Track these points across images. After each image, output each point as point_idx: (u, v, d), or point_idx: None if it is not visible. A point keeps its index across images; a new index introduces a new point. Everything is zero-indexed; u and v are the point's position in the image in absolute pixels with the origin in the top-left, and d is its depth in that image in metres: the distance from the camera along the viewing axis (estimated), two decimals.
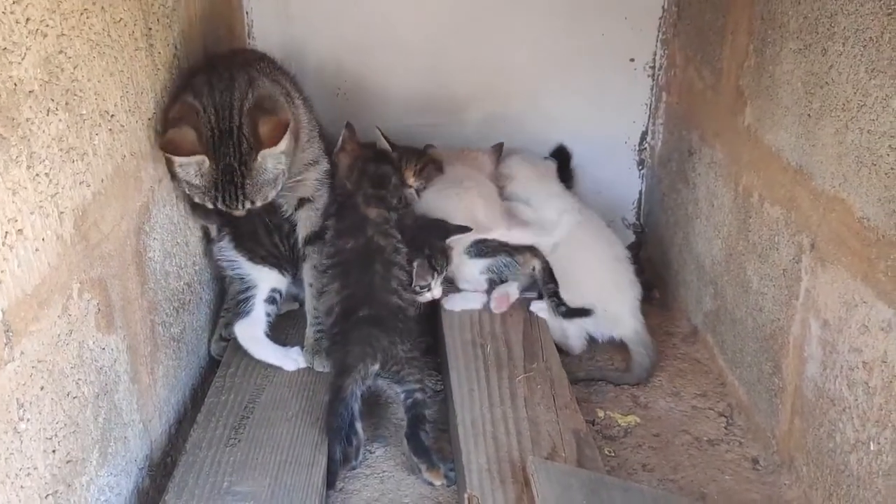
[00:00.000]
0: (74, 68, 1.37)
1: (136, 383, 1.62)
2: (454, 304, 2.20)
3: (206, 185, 1.75)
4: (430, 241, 2.10)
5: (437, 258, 2.09)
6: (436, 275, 2.09)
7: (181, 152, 1.71)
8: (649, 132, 2.70)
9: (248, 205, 1.79)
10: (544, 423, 1.79)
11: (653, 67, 2.62)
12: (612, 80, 2.64)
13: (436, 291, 2.11)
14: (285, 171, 1.83)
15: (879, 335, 1.40)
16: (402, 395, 1.88)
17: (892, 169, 1.36)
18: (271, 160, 1.77)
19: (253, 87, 1.80)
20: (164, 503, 1.57)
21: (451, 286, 2.22)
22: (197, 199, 1.80)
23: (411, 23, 2.57)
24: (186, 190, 1.80)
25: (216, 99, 1.75)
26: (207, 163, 1.72)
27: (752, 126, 1.92)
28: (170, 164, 1.77)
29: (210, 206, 1.79)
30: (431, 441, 1.82)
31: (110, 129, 1.50)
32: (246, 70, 1.86)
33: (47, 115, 1.27)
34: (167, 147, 1.71)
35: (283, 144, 1.76)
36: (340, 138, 2.21)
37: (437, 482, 1.77)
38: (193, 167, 1.73)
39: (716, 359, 2.16)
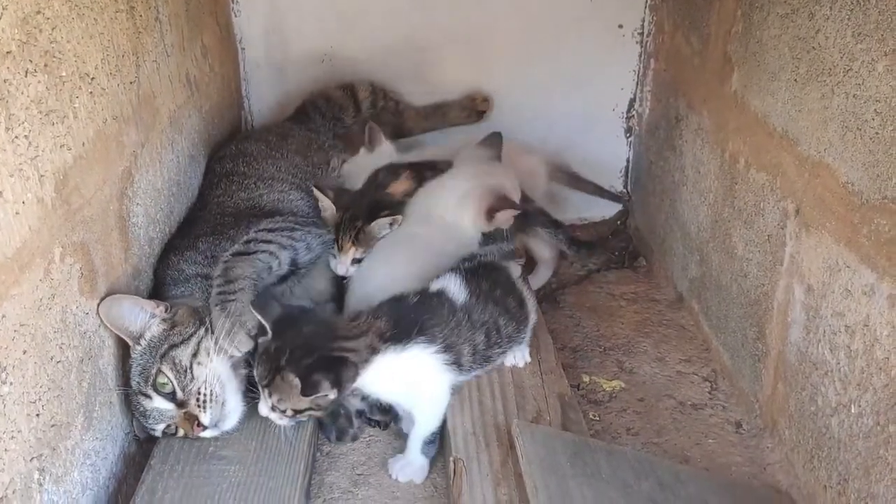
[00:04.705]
0: (53, 29, 1.34)
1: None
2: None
3: None
4: None
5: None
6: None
7: None
8: (637, 99, 2.69)
9: None
10: (529, 388, 1.81)
11: (641, 34, 2.60)
12: (601, 47, 2.61)
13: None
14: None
15: (862, 299, 1.41)
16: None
17: (877, 133, 1.36)
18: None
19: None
20: (150, 468, 1.58)
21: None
22: None
23: None
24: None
25: None
26: None
27: (739, 92, 1.91)
28: None
29: None
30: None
31: (91, 92, 1.48)
32: None
33: (25, 76, 1.25)
34: None
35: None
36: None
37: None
38: None
39: (701, 325, 2.18)
